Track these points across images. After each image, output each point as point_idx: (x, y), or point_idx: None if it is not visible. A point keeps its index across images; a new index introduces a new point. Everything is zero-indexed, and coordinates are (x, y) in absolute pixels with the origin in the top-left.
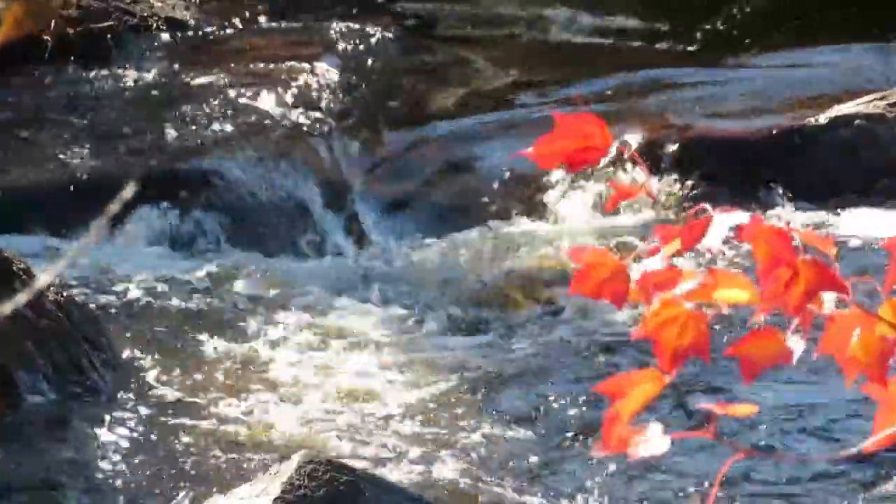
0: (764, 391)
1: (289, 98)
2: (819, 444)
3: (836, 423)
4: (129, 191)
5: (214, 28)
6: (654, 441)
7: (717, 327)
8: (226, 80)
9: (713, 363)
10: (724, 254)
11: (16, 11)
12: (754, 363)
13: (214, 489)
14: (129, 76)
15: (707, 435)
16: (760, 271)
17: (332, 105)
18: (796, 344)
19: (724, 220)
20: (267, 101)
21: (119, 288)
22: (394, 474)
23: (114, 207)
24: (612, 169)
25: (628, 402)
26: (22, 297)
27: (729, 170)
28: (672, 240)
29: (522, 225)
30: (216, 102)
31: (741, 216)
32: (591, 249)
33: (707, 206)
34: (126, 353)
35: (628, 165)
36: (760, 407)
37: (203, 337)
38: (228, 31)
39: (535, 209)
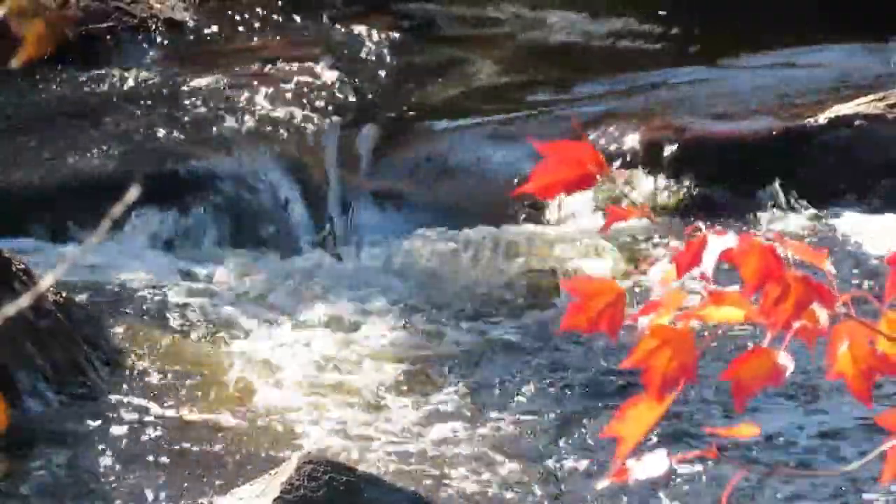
0: (767, 408)
1: (288, 98)
2: (823, 461)
3: (840, 440)
4: (132, 193)
5: (214, 28)
6: (653, 462)
7: (715, 345)
8: (225, 80)
9: (716, 381)
10: (716, 273)
11: (38, 29)
12: (746, 387)
13: (214, 489)
14: (129, 76)
15: (710, 454)
16: (747, 289)
17: (331, 105)
18: (788, 362)
19: (717, 244)
20: (266, 101)
21: (119, 288)
22: (394, 474)
23: (116, 210)
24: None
25: (632, 429)
26: (24, 300)
27: (728, 170)
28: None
29: (521, 225)
30: (216, 102)
31: (733, 238)
32: (587, 279)
33: (701, 224)
34: (126, 354)
35: (627, 177)
36: (763, 424)
37: (202, 337)
38: (228, 31)
39: (534, 210)
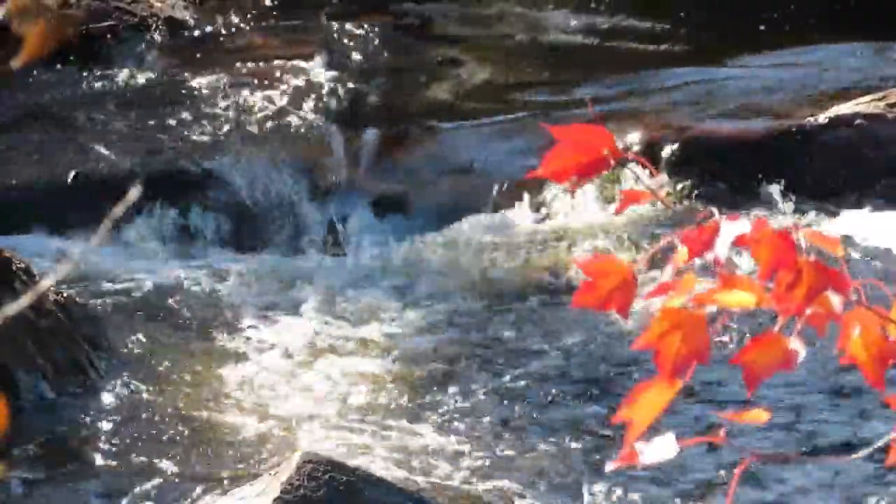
0: (775, 393)
1: (288, 98)
2: (831, 447)
3: (848, 425)
4: (133, 193)
5: (214, 28)
6: (662, 446)
7: (728, 329)
8: (226, 80)
9: (726, 366)
10: (730, 258)
11: (40, 30)
12: (757, 371)
13: (214, 489)
14: (130, 76)
15: (718, 440)
16: (760, 274)
17: (331, 105)
18: (799, 348)
19: (730, 228)
20: (266, 101)
21: (119, 288)
22: (394, 474)
23: (117, 210)
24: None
25: (643, 413)
26: (25, 299)
27: (729, 170)
28: (691, 245)
29: (523, 224)
30: (216, 102)
31: (746, 223)
32: (599, 257)
33: (714, 209)
34: (126, 353)
35: (633, 166)
36: (772, 410)
37: (203, 337)
38: (228, 31)
39: (538, 206)
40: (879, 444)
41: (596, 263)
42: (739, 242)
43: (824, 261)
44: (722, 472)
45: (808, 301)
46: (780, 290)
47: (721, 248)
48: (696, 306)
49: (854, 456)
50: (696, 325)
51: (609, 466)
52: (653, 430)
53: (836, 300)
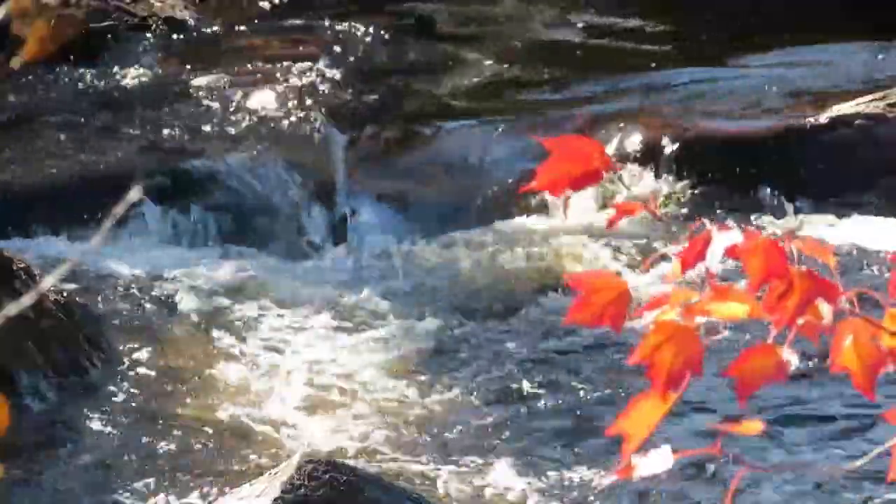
0: (770, 403)
1: (288, 98)
2: (827, 457)
3: (843, 436)
4: (134, 193)
5: (214, 28)
6: (658, 459)
7: (719, 340)
8: (226, 80)
9: (719, 378)
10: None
11: (40, 30)
12: (750, 382)
13: (214, 489)
14: (129, 76)
15: (713, 451)
16: (751, 285)
17: (331, 105)
18: (792, 358)
19: (722, 239)
20: (266, 101)
21: (119, 288)
22: (394, 474)
23: (118, 210)
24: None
25: (638, 426)
26: (26, 300)
27: (729, 170)
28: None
29: (522, 225)
30: (216, 102)
31: (737, 234)
32: (590, 274)
33: (706, 221)
34: (127, 353)
35: (628, 174)
36: (767, 421)
37: (203, 337)
38: (228, 31)
39: (535, 209)
40: (874, 454)
41: (588, 279)
42: (731, 253)
43: (816, 270)
44: (717, 484)
45: (800, 311)
46: (772, 301)
47: (713, 260)
48: (689, 318)
49: (850, 467)
50: (689, 337)
51: (606, 480)
52: (648, 443)
53: (827, 310)
